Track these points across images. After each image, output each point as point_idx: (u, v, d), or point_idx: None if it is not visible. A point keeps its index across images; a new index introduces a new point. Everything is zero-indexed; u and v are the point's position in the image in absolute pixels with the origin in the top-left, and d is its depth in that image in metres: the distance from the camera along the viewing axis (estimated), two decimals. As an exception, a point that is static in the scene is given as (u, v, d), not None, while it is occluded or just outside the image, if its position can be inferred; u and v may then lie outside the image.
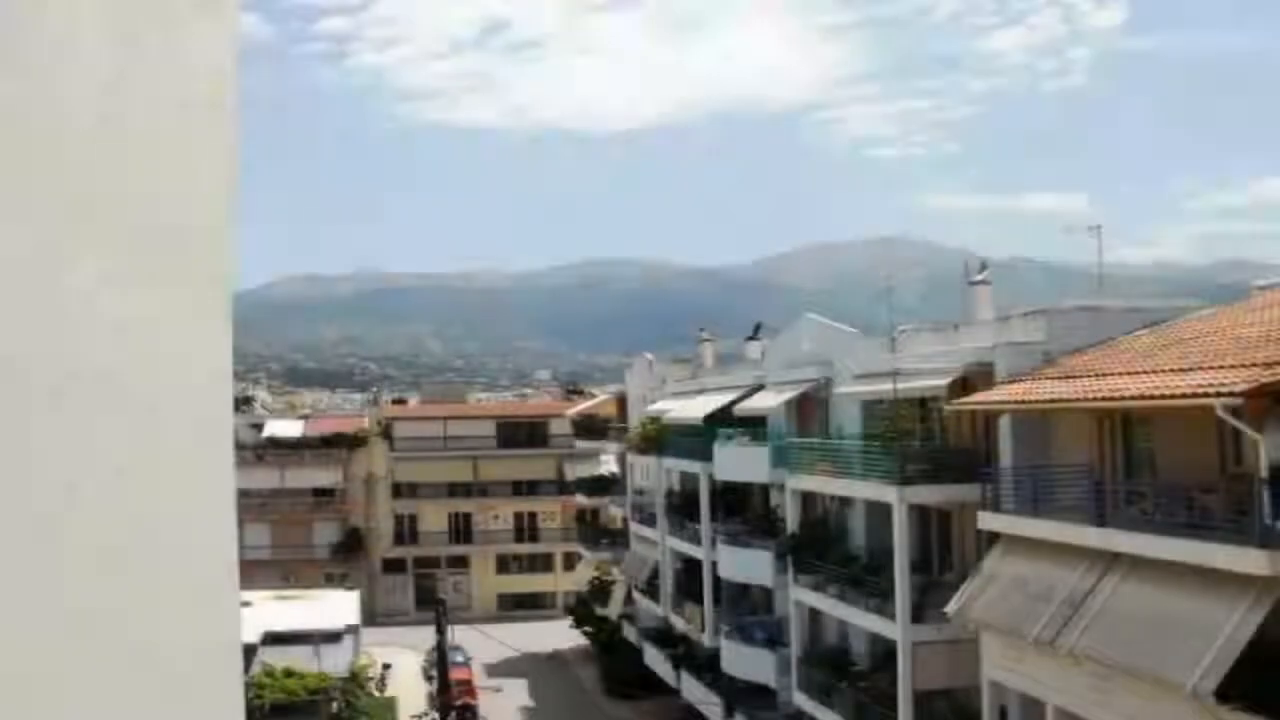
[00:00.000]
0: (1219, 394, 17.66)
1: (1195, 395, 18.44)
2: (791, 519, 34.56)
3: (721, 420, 39.89)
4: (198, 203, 1.75)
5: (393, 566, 73.58)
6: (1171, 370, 20.43)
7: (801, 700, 33.37)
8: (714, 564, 40.29)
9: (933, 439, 29.20)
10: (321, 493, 73.21)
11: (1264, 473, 17.56)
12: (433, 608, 51.74)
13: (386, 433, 74.74)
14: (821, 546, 32.97)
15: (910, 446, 28.42)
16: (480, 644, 58.47)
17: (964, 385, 26.38)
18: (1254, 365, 18.22)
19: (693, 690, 43.14)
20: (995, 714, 24.22)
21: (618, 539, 57.34)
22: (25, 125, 1.51)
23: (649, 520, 49.89)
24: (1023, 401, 23.66)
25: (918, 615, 26.96)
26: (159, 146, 1.70)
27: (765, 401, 37.42)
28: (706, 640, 41.86)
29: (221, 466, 1.77)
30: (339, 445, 74.32)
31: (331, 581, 63.47)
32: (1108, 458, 22.88)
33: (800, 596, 33.67)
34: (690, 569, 44.89)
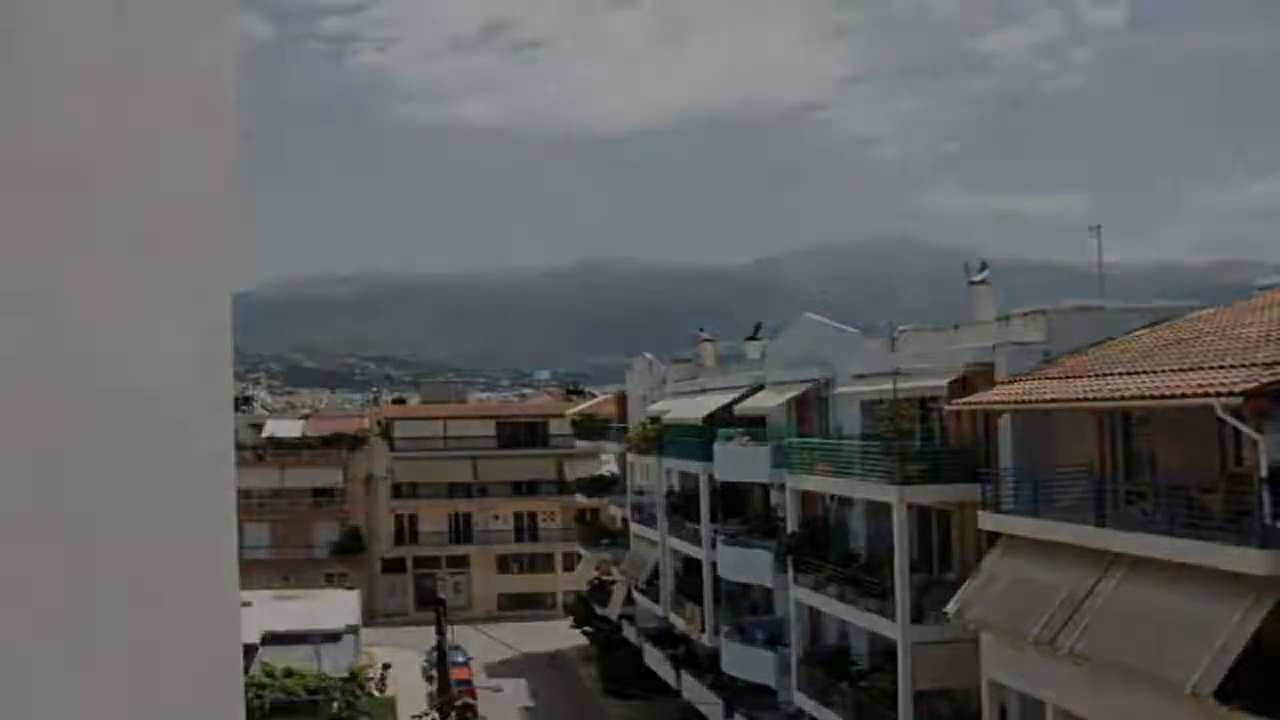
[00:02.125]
0: (1219, 394, 17.66)
1: (1195, 395, 18.43)
2: (791, 519, 34.56)
3: (721, 420, 39.89)
4: (198, 203, 1.75)
5: (393, 566, 73.57)
6: (1171, 370, 20.42)
7: (801, 700, 33.37)
8: (714, 564, 40.28)
9: (933, 439, 29.19)
10: (321, 493, 73.22)
11: (1264, 473, 17.56)
12: (433, 608, 51.72)
13: (386, 433, 74.73)
14: (821, 546, 32.96)
15: (910, 446, 28.42)
16: (480, 644, 58.46)
17: (964, 385, 26.38)
18: (1254, 365, 18.21)
19: (693, 690, 43.13)
20: (995, 714, 24.21)
21: (618, 539, 57.35)
22: (26, 125, 1.51)
23: (649, 520, 49.89)
24: (1023, 401, 23.66)
25: (918, 615, 26.96)
26: (159, 147, 1.69)
27: (765, 401, 37.41)
28: (706, 640, 41.86)
29: (221, 466, 1.77)
30: (339, 445, 74.34)
31: (331, 581, 63.45)
32: (1108, 458, 22.87)
33: (800, 596, 33.67)
34: (690, 569, 44.89)
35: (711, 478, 40.74)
